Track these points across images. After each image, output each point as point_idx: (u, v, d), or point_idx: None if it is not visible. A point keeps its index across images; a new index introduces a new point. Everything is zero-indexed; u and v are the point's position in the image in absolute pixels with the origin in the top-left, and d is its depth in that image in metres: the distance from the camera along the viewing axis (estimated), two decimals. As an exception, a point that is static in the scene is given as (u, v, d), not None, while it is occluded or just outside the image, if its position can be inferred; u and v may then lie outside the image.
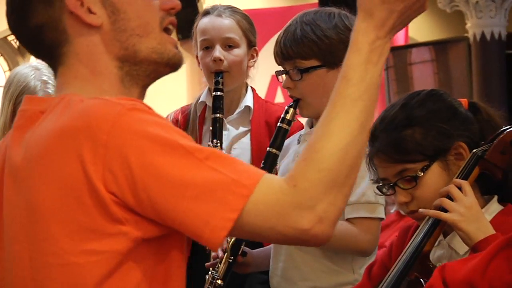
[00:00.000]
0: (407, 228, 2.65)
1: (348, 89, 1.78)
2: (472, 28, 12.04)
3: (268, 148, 3.23)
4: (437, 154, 2.50)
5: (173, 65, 2.05)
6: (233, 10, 3.93)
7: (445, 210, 2.34)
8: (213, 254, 3.39)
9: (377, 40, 1.79)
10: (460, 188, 2.34)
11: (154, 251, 1.89)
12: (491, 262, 1.80)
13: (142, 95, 2.06)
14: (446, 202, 2.33)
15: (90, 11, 1.94)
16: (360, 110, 1.76)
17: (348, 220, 3.09)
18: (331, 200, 1.71)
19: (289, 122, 3.23)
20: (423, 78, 12.10)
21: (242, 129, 3.85)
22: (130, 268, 1.87)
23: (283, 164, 3.33)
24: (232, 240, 3.21)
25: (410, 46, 12.49)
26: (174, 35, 3.91)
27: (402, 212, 2.60)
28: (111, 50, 1.98)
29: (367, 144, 1.67)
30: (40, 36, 1.99)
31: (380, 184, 2.62)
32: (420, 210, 2.41)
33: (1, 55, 14.88)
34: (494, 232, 2.28)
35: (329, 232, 1.73)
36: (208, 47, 3.77)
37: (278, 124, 3.25)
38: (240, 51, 3.78)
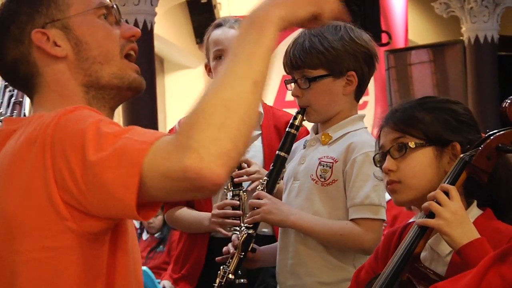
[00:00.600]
0: (392, 234, 2.60)
1: (232, 62, 1.75)
2: (467, 31, 12.06)
3: (277, 152, 3.21)
4: (436, 141, 2.46)
5: (134, 89, 2.06)
6: (232, 21, 3.92)
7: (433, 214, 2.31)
8: (224, 249, 3.37)
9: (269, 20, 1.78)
10: (447, 193, 2.30)
11: (101, 245, 1.89)
12: (484, 279, 1.75)
13: (110, 116, 2.07)
14: (433, 206, 2.28)
15: (55, 44, 1.96)
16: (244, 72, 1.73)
17: (352, 220, 3.04)
18: (210, 137, 1.64)
19: (297, 128, 3.20)
20: (422, 78, 12.12)
21: (254, 132, 3.75)
22: (81, 261, 1.87)
23: (289, 167, 3.27)
24: (243, 237, 3.19)
25: (409, 49, 12.49)
26: (192, 40, 3.88)
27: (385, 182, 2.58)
28: (77, 77, 1.99)
29: (253, 97, 1.58)
30: (15, 70, 2.02)
31: (376, 154, 2.60)
32: (418, 221, 2.36)
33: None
34: (478, 236, 2.24)
35: (216, 168, 1.63)
36: (221, 56, 3.72)
37: (287, 129, 3.22)
38: None
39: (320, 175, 3.13)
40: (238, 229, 3.52)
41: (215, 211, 3.64)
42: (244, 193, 3.62)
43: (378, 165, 2.59)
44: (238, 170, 3.61)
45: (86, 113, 1.84)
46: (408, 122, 2.49)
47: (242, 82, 1.71)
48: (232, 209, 3.60)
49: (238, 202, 3.60)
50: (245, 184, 3.64)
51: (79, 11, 1.99)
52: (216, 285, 3.22)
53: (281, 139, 3.48)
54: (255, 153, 3.75)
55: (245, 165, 3.64)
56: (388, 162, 2.49)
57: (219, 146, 1.64)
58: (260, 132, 3.82)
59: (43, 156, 1.81)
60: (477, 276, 1.75)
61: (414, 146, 2.46)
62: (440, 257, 2.40)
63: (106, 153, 1.73)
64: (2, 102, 3.13)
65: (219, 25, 3.86)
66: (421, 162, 2.46)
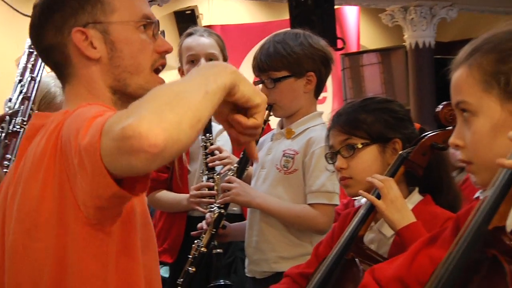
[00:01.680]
0: (346, 214, 2.63)
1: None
2: (409, 38, 12.04)
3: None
4: (379, 139, 2.49)
5: None
6: (210, 32, 3.98)
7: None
8: (198, 225, 3.41)
9: None
10: (388, 181, 2.34)
11: (108, 236, 1.80)
12: (415, 259, 1.73)
13: None
14: (378, 185, 2.34)
15: (92, 45, 1.86)
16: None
17: (310, 204, 3.07)
18: (155, 107, 1.53)
19: (264, 122, 3.16)
20: (372, 77, 12.15)
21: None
22: (90, 251, 1.79)
23: (258, 156, 3.28)
24: (215, 215, 3.21)
25: (361, 52, 12.51)
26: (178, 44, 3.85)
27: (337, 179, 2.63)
28: (106, 79, 1.90)
29: (202, 101, 1.52)
30: (48, 54, 1.94)
31: (327, 153, 2.61)
32: (360, 191, 2.41)
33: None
34: (415, 220, 2.28)
35: (153, 129, 1.50)
36: (193, 60, 3.75)
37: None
38: None
39: (284, 165, 3.16)
40: (213, 207, 3.46)
41: (193, 192, 3.64)
42: (218, 176, 3.62)
43: (330, 162, 2.61)
44: (212, 156, 3.62)
45: (96, 107, 1.76)
46: (353, 125, 2.51)
47: (196, 88, 1.61)
48: (208, 190, 3.59)
49: (212, 184, 3.59)
50: (218, 169, 3.63)
51: (122, 19, 1.89)
52: (190, 256, 3.22)
53: None
54: (225, 142, 3.72)
55: (217, 152, 3.64)
56: (340, 161, 2.52)
57: (161, 116, 1.53)
58: None
59: (55, 151, 1.74)
60: (409, 257, 1.75)
61: (361, 146, 2.49)
62: (385, 237, 2.42)
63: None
64: (11, 98, 3.07)
65: (191, 34, 3.87)
66: (368, 159, 2.49)
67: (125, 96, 1.92)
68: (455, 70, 1.61)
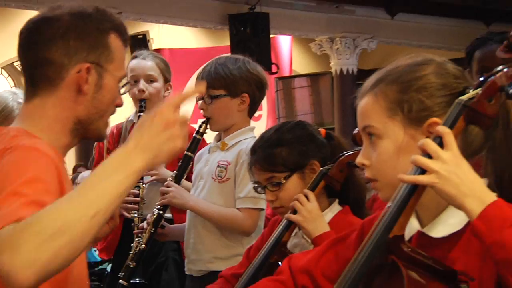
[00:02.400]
0: (274, 221, 2.62)
1: (87, 183, 1.60)
2: (334, 65, 12.17)
3: (185, 152, 3.21)
4: (297, 168, 2.48)
5: (101, 139, 2.11)
6: (154, 55, 3.91)
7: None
8: (140, 225, 3.44)
9: (127, 155, 1.60)
10: (306, 196, 2.34)
11: None
12: (323, 255, 1.72)
13: (76, 144, 2.00)
14: (296, 204, 2.34)
15: (87, 81, 1.83)
16: (89, 202, 1.55)
17: (238, 209, 3.07)
18: (34, 243, 1.44)
19: (201, 134, 3.25)
20: (302, 99, 12.20)
21: None
22: None
23: (196, 168, 3.32)
24: (155, 216, 3.20)
25: (293, 77, 12.56)
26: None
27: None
28: (79, 112, 1.86)
29: (90, 225, 1.47)
30: (42, 66, 1.85)
31: (256, 186, 2.59)
32: (286, 216, 2.39)
33: (9, 75, 14.57)
34: (328, 229, 2.30)
35: (25, 275, 1.42)
36: (135, 81, 3.70)
37: (194, 134, 3.23)
38: (158, 85, 3.73)
39: (218, 175, 3.16)
40: (137, 212, 3.56)
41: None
42: (143, 185, 3.61)
43: (260, 193, 2.64)
44: None
45: (33, 161, 1.68)
46: (271, 162, 2.50)
47: (85, 210, 1.51)
48: (133, 197, 3.57)
49: (137, 191, 3.58)
50: (145, 178, 3.60)
51: (115, 72, 1.89)
52: (131, 252, 3.22)
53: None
54: None
55: None
56: (269, 195, 2.53)
57: (37, 256, 1.44)
58: None
59: None
60: (319, 252, 1.75)
61: (284, 180, 2.47)
62: (308, 243, 2.40)
63: None
64: None
65: (135, 57, 3.82)
66: (292, 187, 2.47)
67: (83, 129, 1.91)
68: (362, 98, 1.61)
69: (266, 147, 2.52)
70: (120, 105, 1.96)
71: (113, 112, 1.96)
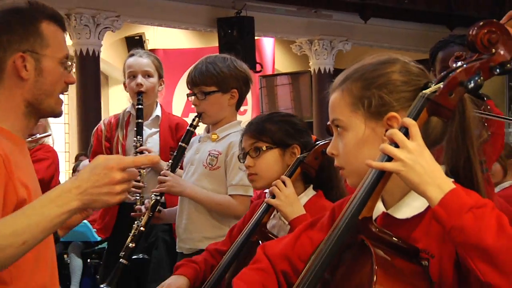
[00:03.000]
0: (256, 204, 2.64)
1: (28, 209, 1.67)
2: (313, 65, 12.12)
3: (180, 143, 3.25)
4: (280, 144, 2.50)
5: (57, 115, 2.00)
6: (149, 54, 3.92)
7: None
8: (136, 207, 3.45)
9: (66, 192, 1.64)
10: (284, 182, 2.36)
11: None
12: (298, 240, 1.72)
13: (35, 123, 2.01)
14: (274, 190, 2.37)
15: (25, 68, 1.85)
16: (24, 226, 1.62)
17: (230, 195, 3.08)
18: None
19: (194, 127, 3.24)
20: (283, 95, 12.23)
21: (153, 130, 3.80)
22: None
23: (188, 155, 3.30)
24: (153, 201, 3.18)
25: (275, 75, 12.55)
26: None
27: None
28: (26, 96, 1.88)
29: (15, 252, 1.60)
30: None
31: (240, 153, 2.64)
32: (265, 200, 2.43)
33: None
34: (304, 212, 2.32)
35: None
36: (133, 76, 3.70)
37: (188, 127, 3.25)
38: (153, 80, 3.73)
39: (209, 163, 3.15)
40: (138, 195, 3.54)
41: None
42: (144, 170, 3.58)
43: (241, 161, 2.64)
44: (140, 154, 3.59)
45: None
46: (260, 132, 2.52)
47: (16, 238, 1.60)
48: (134, 182, 3.49)
49: (138, 177, 3.51)
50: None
51: (53, 55, 1.89)
52: (131, 234, 3.19)
53: (173, 136, 3.70)
54: (153, 144, 3.73)
55: (146, 152, 3.61)
56: (248, 160, 2.54)
57: None
58: (158, 130, 3.78)
59: None
60: (293, 238, 1.74)
61: (265, 148, 2.49)
62: (284, 224, 2.41)
63: None
64: None
65: (132, 55, 3.83)
66: (271, 159, 2.50)
67: (35, 110, 1.92)
68: (331, 94, 1.62)
69: (260, 122, 2.58)
70: (71, 82, 1.98)
71: (64, 90, 1.97)
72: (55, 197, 1.63)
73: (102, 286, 3.06)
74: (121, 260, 3.13)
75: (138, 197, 3.54)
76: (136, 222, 3.28)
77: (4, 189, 1.73)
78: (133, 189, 3.53)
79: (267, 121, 2.57)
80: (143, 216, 3.24)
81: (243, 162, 2.62)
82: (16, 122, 1.91)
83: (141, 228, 3.19)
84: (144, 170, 3.60)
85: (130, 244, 3.17)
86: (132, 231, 3.21)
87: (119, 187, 1.64)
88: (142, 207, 3.38)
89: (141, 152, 3.59)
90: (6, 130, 1.88)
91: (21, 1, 1.90)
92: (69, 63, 1.96)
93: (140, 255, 3.39)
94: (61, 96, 1.98)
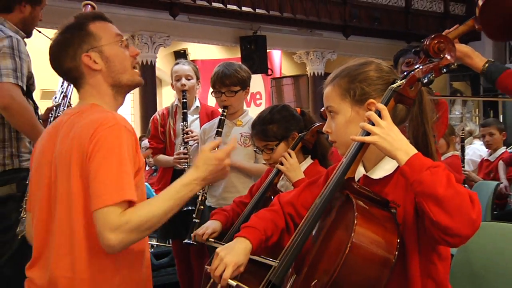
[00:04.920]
0: (269, 170, 2.57)
1: (168, 193, 1.67)
2: (309, 70, 12.07)
3: (216, 128, 3.10)
4: (283, 138, 2.44)
5: (138, 85, 1.89)
6: (189, 62, 3.85)
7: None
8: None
9: (193, 181, 1.69)
10: (290, 154, 2.33)
11: None
12: (302, 192, 1.71)
13: (123, 101, 1.90)
14: (282, 159, 2.33)
15: (95, 62, 1.78)
16: (169, 205, 1.64)
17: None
18: (125, 237, 1.57)
19: (225, 116, 3.11)
20: (288, 92, 12.17)
21: (195, 116, 3.71)
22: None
23: (210, 136, 3.20)
24: (202, 198, 3.03)
25: (282, 77, 12.45)
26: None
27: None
28: (107, 81, 1.81)
29: (165, 217, 1.65)
30: (68, 74, 1.83)
31: (255, 149, 2.59)
32: (276, 166, 2.38)
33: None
34: (303, 176, 2.28)
35: (119, 247, 1.56)
36: (179, 79, 3.64)
37: (219, 117, 3.13)
38: (193, 81, 3.65)
39: (243, 141, 3.07)
40: (186, 164, 3.47)
41: (175, 156, 3.56)
42: (189, 146, 3.52)
43: (259, 153, 2.59)
44: (186, 134, 3.53)
45: (116, 137, 1.66)
46: (266, 135, 2.46)
47: (163, 214, 1.63)
48: (183, 155, 3.51)
49: (186, 151, 3.49)
50: (190, 142, 3.53)
51: (107, 42, 1.80)
52: (199, 200, 3.01)
53: (209, 120, 3.51)
54: (195, 127, 3.62)
55: (190, 132, 3.54)
56: (265, 156, 2.51)
57: (130, 240, 1.59)
58: (198, 116, 3.69)
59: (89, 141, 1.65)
60: (299, 191, 1.73)
61: (276, 146, 2.44)
62: (290, 184, 2.38)
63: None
64: (56, 96, 2.80)
65: (177, 63, 3.76)
66: (280, 151, 2.43)
67: (120, 87, 1.84)
68: (325, 87, 1.61)
69: (261, 124, 2.48)
70: (135, 53, 1.89)
71: (133, 62, 1.88)
72: (185, 185, 1.69)
73: (185, 241, 2.83)
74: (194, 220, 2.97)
75: (186, 165, 3.48)
76: (194, 215, 3.07)
77: (134, 154, 1.70)
78: (182, 160, 3.52)
79: (269, 123, 2.48)
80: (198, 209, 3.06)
81: (259, 154, 2.59)
82: (111, 104, 1.85)
83: (196, 220, 2.95)
84: (190, 146, 3.54)
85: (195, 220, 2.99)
86: (191, 229, 2.96)
87: (226, 167, 1.75)
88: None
89: (186, 133, 3.54)
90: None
91: (69, 20, 1.85)
92: (123, 39, 1.86)
93: (189, 207, 3.18)
94: (135, 70, 1.89)
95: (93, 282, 1.66)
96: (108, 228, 1.54)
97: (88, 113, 1.76)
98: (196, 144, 3.53)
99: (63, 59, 1.80)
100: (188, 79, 3.63)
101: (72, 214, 1.66)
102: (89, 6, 2.51)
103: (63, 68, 1.82)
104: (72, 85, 1.89)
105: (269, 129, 2.45)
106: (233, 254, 1.52)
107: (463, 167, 5.00)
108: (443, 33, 1.83)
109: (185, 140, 3.53)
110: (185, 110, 3.59)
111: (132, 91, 2.02)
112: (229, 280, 1.48)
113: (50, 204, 1.72)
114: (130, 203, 1.61)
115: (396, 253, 1.32)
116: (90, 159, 1.61)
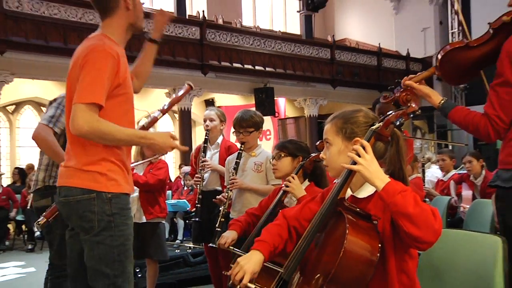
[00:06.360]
0: (276, 189, 2.55)
1: (130, 132, 1.75)
2: (307, 113, 12.03)
3: (236, 159, 3.05)
4: (292, 155, 2.45)
5: (141, 28, 1.92)
6: (214, 108, 3.71)
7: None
8: (218, 197, 3.12)
9: (145, 137, 1.78)
10: (293, 177, 2.30)
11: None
12: (303, 208, 1.66)
13: (129, 37, 1.91)
14: (287, 183, 2.31)
15: (129, 3, 1.83)
16: (125, 138, 1.71)
17: (272, 185, 2.93)
18: (93, 132, 1.66)
19: (242, 150, 3.06)
20: (290, 130, 12.11)
21: (215, 150, 3.56)
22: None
23: (231, 166, 3.10)
24: (229, 194, 2.97)
25: (286, 118, 12.39)
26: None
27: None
28: (130, 19, 1.86)
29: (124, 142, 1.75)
30: (104, 3, 1.83)
31: (271, 158, 2.60)
32: (283, 187, 2.34)
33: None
34: (305, 193, 2.25)
35: (86, 135, 1.65)
36: (205, 120, 3.53)
37: (238, 151, 3.08)
38: (216, 122, 3.51)
39: (256, 169, 3.02)
40: (199, 184, 3.40)
41: (194, 179, 3.48)
42: (204, 172, 3.42)
43: (271, 162, 2.58)
44: (202, 163, 3.41)
45: (101, 58, 1.69)
46: (281, 148, 2.45)
47: (121, 137, 1.69)
48: (198, 178, 3.42)
49: (200, 175, 3.41)
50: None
51: None
52: (221, 214, 2.94)
53: (227, 153, 3.41)
54: (215, 159, 3.51)
55: (205, 161, 3.42)
56: (273, 162, 2.49)
57: (99, 138, 1.67)
58: (218, 150, 3.54)
59: (79, 62, 1.70)
60: (301, 206, 1.68)
61: (283, 155, 2.44)
62: (293, 201, 2.33)
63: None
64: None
65: (207, 110, 3.66)
66: (286, 162, 2.43)
67: (132, 27, 1.87)
68: (326, 124, 1.59)
69: (284, 142, 2.52)
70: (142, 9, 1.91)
71: (142, 16, 1.90)
72: (140, 136, 1.75)
73: (210, 244, 2.75)
74: (216, 228, 2.89)
75: (199, 185, 3.38)
76: (221, 207, 3.02)
77: (113, 77, 1.72)
78: (197, 182, 3.40)
79: (286, 143, 2.50)
80: (224, 205, 2.98)
81: (273, 164, 2.55)
82: (120, 37, 1.86)
83: (226, 209, 2.96)
84: (204, 171, 3.42)
85: (218, 229, 2.90)
86: (218, 217, 2.95)
87: (171, 145, 1.79)
88: (221, 197, 3.09)
89: (202, 162, 3.42)
90: (116, 42, 1.83)
91: None
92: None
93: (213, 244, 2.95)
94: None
95: None
96: (80, 117, 1.62)
97: (92, 40, 1.80)
98: (209, 171, 3.45)
99: None
100: (211, 121, 3.53)
101: None
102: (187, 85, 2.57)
103: None
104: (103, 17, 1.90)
105: (285, 146, 2.47)
106: (250, 264, 1.47)
107: (424, 185, 5.00)
108: (412, 77, 1.85)
109: (200, 168, 3.43)
110: (205, 145, 3.49)
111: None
112: (248, 284, 1.44)
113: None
114: (100, 107, 1.67)
115: (378, 254, 1.30)
116: (81, 69, 1.68)
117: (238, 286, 1.46)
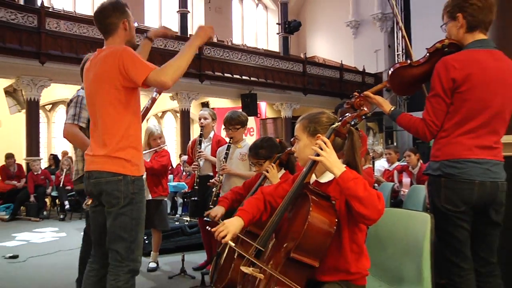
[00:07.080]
0: (258, 175, 2.43)
1: (183, 53, 1.69)
2: (283, 114, 11.91)
3: (225, 151, 2.97)
4: (267, 158, 2.35)
5: (134, 45, 1.86)
6: (207, 109, 3.60)
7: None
8: (211, 180, 3.01)
9: (194, 46, 1.74)
10: (272, 167, 2.23)
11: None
12: (278, 187, 1.61)
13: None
14: (267, 170, 2.23)
15: (127, 24, 1.82)
16: (186, 58, 1.68)
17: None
18: (169, 73, 1.63)
19: (230, 143, 3.01)
20: (270, 128, 12.03)
21: (208, 143, 3.50)
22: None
23: (222, 155, 3.03)
24: (221, 178, 2.90)
25: (266, 119, 12.28)
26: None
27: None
28: (127, 38, 1.82)
29: (186, 65, 1.69)
30: (109, 25, 1.81)
31: (251, 163, 2.49)
32: (263, 173, 2.25)
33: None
34: (280, 181, 2.09)
35: (170, 83, 1.63)
36: (200, 119, 3.47)
37: (227, 143, 3.02)
38: (208, 120, 3.46)
39: (241, 157, 2.97)
40: (197, 170, 3.27)
41: (192, 165, 3.41)
42: (200, 160, 3.37)
43: (253, 166, 2.47)
44: (198, 153, 3.35)
45: (130, 51, 1.69)
46: (258, 156, 2.36)
47: (184, 61, 1.65)
48: (195, 165, 3.36)
49: (197, 163, 3.33)
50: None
51: (131, 19, 1.84)
52: (214, 194, 2.83)
53: (217, 145, 3.30)
54: (207, 150, 3.45)
55: (201, 152, 3.37)
56: (256, 168, 2.42)
57: (173, 75, 1.63)
58: (210, 143, 3.48)
59: (116, 60, 1.67)
60: (276, 185, 1.61)
61: (263, 163, 2.35)
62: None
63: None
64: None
65: (201, 110, 3.58)
66: (266, 166, 2.32)
67: (129, 43, 1.83)
68: (296, 124, 1.57)
69: (255, 149, 2.39)
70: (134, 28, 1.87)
71: (134, 35, 1.86)
72: (193, 49, 1.72)
73: (204, 218, 2.58)
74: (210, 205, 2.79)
75: (197, 171, 3.29)
76: (214, 189, 2.91)
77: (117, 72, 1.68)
78: (195, 168, 3.31)
79: (260, 148, 2.36)
80: (216, 187, 2.90)
81: (253, 166, 2.47)
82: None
83: (215, 198, 2.84)
84: (200, 160, 3.35)
85: (211, 206, 2.80)
86: (212, 198, 2.86)
87: (210, 31, 1.78)
88: (213, 180, 3.01)
89: (199, 153, 3.37)
90: None
91: (115, 2, 1.83)
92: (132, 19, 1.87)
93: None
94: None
95: None
96: (157, 79, 1.61)
97: (109, 48, 1.78)
98: (203, 159, 3.39)
99: (112, 16, 1.80)
100: (205, 119, 3.48)
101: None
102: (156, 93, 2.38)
103: (108, 21, 1.80)
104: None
105: (260, 152, 2.37)
106: (233, 226, 1.46)
107: (374, 174, 5.05)
108: (369, 90, 1.86)
109: (197, 157, 3.40)
110: (200, 139, 3.46)
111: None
112: (229, 242, 1.41)
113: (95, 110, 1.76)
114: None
115: (335, 227, 1.31)
116: (124, 64, 1.66)
117: (223, 243, 1.42)
